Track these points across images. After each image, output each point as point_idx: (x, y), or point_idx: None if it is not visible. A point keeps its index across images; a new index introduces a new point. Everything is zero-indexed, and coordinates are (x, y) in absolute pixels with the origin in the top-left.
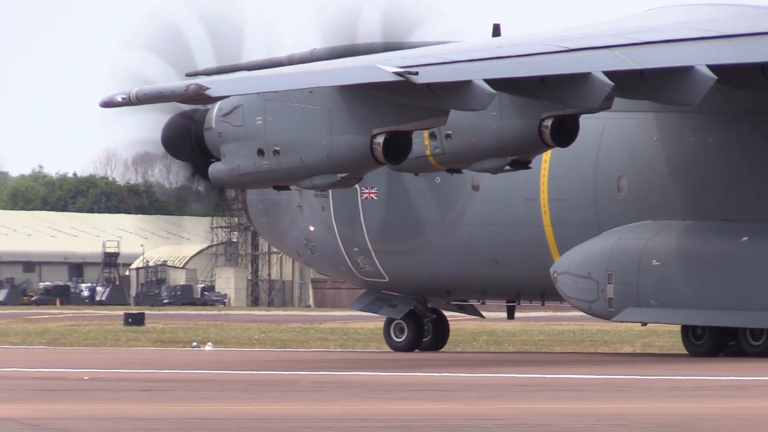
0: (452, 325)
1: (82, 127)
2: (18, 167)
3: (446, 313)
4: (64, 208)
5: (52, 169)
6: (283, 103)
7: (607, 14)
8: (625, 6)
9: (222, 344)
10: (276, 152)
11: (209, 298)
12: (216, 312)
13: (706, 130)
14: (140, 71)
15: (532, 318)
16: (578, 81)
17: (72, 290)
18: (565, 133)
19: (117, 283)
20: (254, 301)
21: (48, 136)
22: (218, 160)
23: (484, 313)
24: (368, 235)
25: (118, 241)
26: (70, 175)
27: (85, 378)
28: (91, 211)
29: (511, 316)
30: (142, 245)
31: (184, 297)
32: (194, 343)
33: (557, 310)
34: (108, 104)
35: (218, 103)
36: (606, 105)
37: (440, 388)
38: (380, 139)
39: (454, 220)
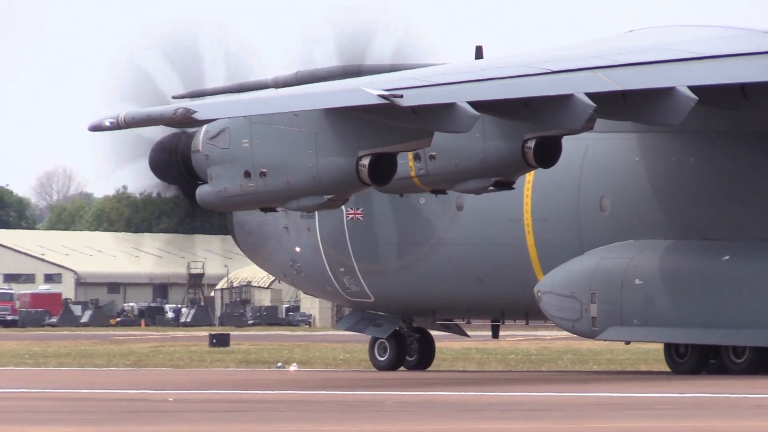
0: (543, 344)
1: None
2: (102, 188)
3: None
4: (148, 229)
5: (136, 190)
6: (269, 126)
7: (588, 36)
8: (606, 28)
9: (307, 365)
10: (263, 174)
11: (294, 318)
12: (301, 332)
13: (688, 150)
14: (148, 71)
15: None
16: (561, 103)
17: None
18: (548, 154)
19: (202, 304)
20: (339, 322)
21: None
22: (205, 182)
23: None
24: (354, 255)
25: (203, 262)
26: (155, 195)
27: (170, 399)
28: (175, 231)
29: (495, 336)
30: (226, 266)
31: (269, 317)
32: (279, 364)
33: None
34: (96, 128)
35: (205, 126)
36: (588, 126)
37: (529, 408)
38: (366, 161)
39: (438, 240)
